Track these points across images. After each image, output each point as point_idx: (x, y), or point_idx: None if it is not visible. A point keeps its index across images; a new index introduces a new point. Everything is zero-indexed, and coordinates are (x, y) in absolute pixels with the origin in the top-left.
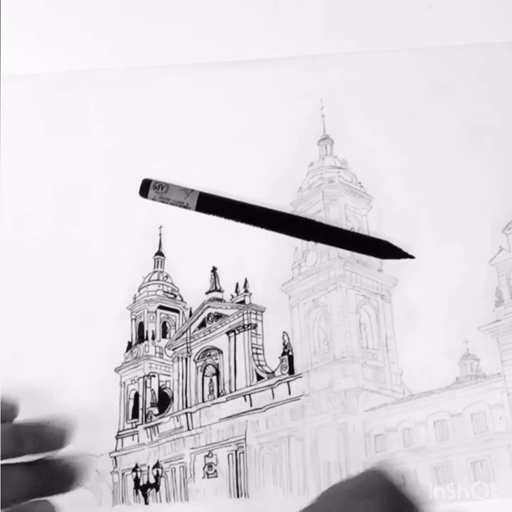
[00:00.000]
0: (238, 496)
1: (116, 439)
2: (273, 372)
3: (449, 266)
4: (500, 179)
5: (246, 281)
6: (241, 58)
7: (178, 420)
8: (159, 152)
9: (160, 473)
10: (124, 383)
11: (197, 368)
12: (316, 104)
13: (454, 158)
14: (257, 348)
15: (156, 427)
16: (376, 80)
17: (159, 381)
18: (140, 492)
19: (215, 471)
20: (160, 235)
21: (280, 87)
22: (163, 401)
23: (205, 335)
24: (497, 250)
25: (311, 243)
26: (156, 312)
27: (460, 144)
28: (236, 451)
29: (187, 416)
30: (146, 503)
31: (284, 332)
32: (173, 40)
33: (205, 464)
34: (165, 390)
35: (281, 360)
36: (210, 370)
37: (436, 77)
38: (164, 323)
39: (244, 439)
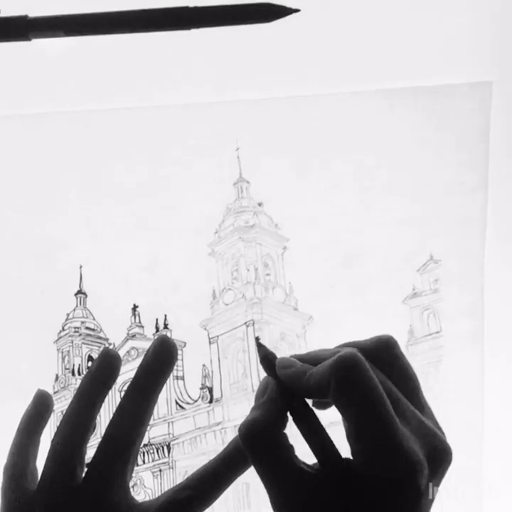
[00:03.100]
0: None
1: None
2: (194, 402)
3: (364, 307)
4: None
5: (165, 317)
6: (156, 104)
7: None
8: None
9: None
10: (54, 411)
11: (121, 397)
12: (231, 146)
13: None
14: (178, 380)
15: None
16: (289, 124)
17: None
18: None
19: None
20: (80, 274)
21: (194, 132)
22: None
23: (128, 366)
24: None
25: (229, 282)
26: (81, 346)
27: (374, 183)
28: (160, 471)
29: None
30: None
31: (203, 365)
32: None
33: (132, 484)
34: None
35: (202, 391)
36: None
37: (350, 123)
38: (89, 356)
39: (168, 462)
